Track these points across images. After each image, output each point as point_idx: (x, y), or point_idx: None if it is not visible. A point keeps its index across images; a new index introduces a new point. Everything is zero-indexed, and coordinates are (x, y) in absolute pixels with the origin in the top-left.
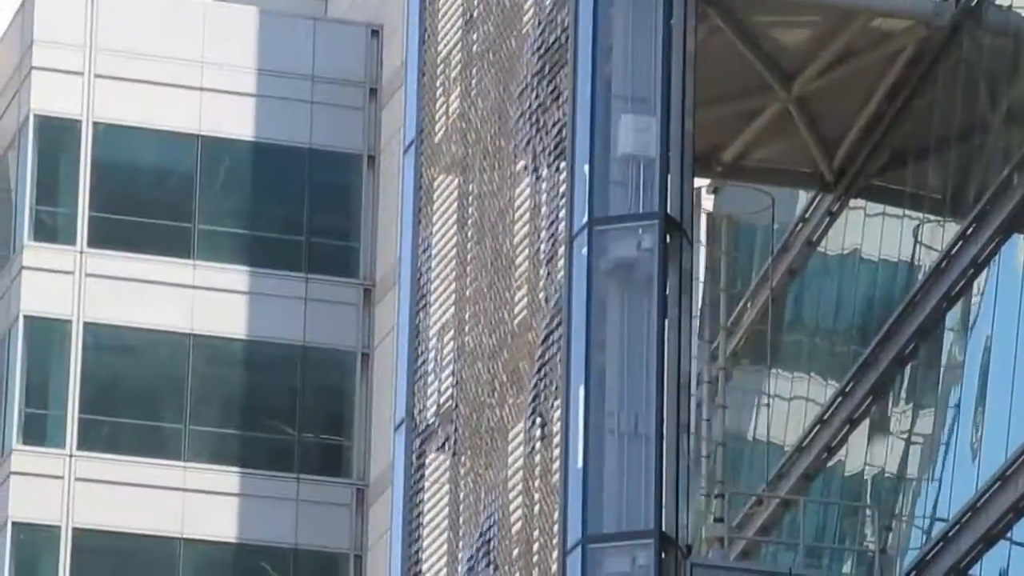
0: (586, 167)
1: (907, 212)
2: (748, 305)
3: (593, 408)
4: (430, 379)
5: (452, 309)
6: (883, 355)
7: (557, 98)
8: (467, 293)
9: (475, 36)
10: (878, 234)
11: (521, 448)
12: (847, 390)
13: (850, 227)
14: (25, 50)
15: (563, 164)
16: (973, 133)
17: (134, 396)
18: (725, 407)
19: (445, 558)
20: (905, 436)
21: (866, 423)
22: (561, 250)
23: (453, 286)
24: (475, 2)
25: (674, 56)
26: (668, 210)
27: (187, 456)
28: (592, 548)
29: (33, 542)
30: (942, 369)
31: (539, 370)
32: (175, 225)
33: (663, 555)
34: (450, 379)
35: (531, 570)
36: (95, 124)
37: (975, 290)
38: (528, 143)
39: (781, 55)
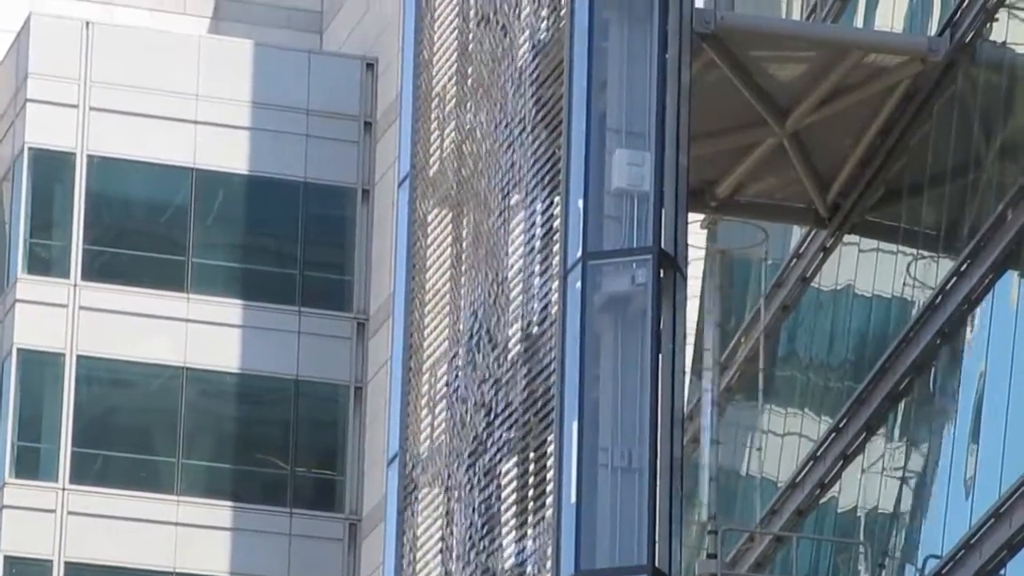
0: (580, 201)
1: (901, 248)
2: (742, 340)
3: (586, 443)
4: (423, 413)
5: (446, 343)
6: (876, 391)
7: (552, 132)
8: (461, 327)
9: (470, 70)
10: (872, 270)
11: (514, 483)
12: (840, 426)
13: (844, 263)
14: (20, 83)
15: (557, 198)
16: (967, 169)
17: (127, 429)
18: (718, 442)
19: None
20: (899, 472)
21: (859, 459)
22: (555, 284)
23: (447, 320)
24: (470, 36)
25: (669, 91)
26: (662, 245)
27: (180, 490)
28: None
29: None
30: (935, 405)
31: (533, 404)
32: (169, 258)
33: None
34: (444, 413)
35: None
36: (89, 157)
37: (969, 326)
38: (522, 177)
39: (776, 90)
